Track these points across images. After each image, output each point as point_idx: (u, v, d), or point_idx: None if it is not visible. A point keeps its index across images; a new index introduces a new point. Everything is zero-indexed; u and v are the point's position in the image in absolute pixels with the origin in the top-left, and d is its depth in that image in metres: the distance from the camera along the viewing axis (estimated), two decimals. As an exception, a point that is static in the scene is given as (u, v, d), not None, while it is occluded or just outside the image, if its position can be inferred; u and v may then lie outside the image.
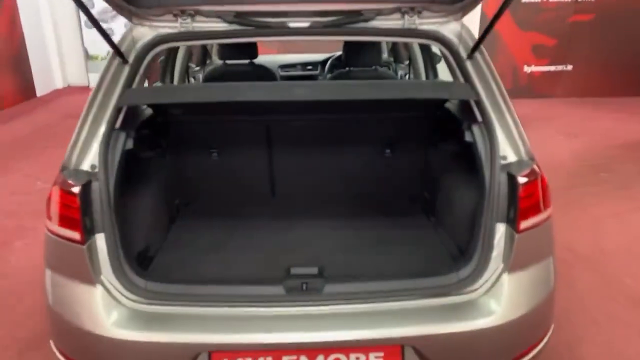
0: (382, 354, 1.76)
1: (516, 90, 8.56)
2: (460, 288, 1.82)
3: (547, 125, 7.18)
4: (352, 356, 1.75)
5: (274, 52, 7.95)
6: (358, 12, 1.95)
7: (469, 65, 1.99)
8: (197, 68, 4.66)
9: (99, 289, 1.76)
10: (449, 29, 2.01)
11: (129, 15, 1.95)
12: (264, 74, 3.54)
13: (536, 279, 1.88)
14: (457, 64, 2.01)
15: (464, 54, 1.99)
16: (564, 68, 8.79)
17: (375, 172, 2.77)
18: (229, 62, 3.60)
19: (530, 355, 1.91)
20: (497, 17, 1.79)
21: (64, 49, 10.06)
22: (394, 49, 4.82)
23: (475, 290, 1.81)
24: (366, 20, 1.97)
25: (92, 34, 9.71)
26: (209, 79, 3.50)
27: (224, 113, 2.41)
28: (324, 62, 4.78)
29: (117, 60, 1.94)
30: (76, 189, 1.73)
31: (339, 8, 1.95)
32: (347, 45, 3.42)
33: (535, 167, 1.87)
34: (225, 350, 1.70)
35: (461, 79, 2.02)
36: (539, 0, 8.32)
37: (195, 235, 2.46)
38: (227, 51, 3.53)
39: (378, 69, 3.55)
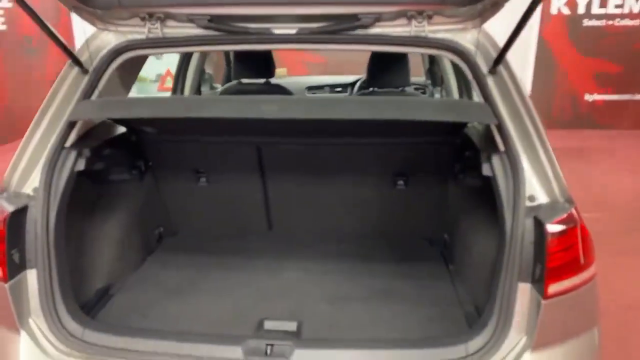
0: None
1: (576, 121, 7.91)
2: None
3: (609, 158, 6.50)
4: None
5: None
6: (354, 17, 1.62)
7: (490, 81, 1.60)
8: (221, 87, 4.47)
9: (23, 336, 1.48)
10: (465, 37, 1.63)
11: (90, 19, 1.70)
12: (279, 93, 3.26)
13: (571, 361, 1.43)
14: (476, 79, 1.62)
15: (484, 67, 1.61)
16: (631, 97, 8.03)
17: (386, 207, 2.37)
18: (244, 81, 3.36)
19: None
20: (524, 21, 1.41)
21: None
22: (430, 69, 4.44)
23: None
24: (364, 27, 1.64)
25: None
26: None
27: (208, 133, 2.12)
28: (353, 84, 4.46)
29: (75, 69, 1.70)
30: (2, 218, 1.47)
31: (331, 12, 1.63)
32: (371, 63, 3.10)
33: (573, 212, 1.43)
34: None
35: (480, 99, 1.63)
36: (602, 25, 7.69)
37: (168, 272, 2.15)
38: (240, 69, 3.29)
39: (406, 91, 3.19)
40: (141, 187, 2.22)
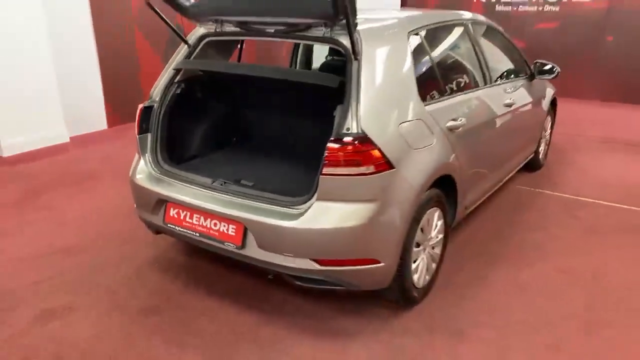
0: (235, 227, 2.95)
1: None
2: (295, 204, 2.81)
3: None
4: (222, 224, 3.00)
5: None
6: (297, 25, 3.05)
7: (353, 65, 2.85)
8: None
9: (142, 159, 3.47)
10: (344, 38, 2.90)
11: (194, 21, 3.55)
12: None
13: (336, 212, 2.69)
14: (347, 62, 2.88)
15: (352, 56, 2.86)
16: None
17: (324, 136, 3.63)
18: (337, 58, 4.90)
19: (340, 267, 2.78)
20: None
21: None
22: None
23: (302, 208, 2.78)
24: (302, 30, 3.06)
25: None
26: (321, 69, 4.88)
27: (249, 84, 3.85)
28: None
29: (185, 45, 3.58)
30: (140, 108, 3.47)
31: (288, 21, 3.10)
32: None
33: (349, 139, 2.64)
34: (172, 202, 3.19)
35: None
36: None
37: (226, 154, 3.96)
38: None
39: None
40: (223, 109, 4.09)
